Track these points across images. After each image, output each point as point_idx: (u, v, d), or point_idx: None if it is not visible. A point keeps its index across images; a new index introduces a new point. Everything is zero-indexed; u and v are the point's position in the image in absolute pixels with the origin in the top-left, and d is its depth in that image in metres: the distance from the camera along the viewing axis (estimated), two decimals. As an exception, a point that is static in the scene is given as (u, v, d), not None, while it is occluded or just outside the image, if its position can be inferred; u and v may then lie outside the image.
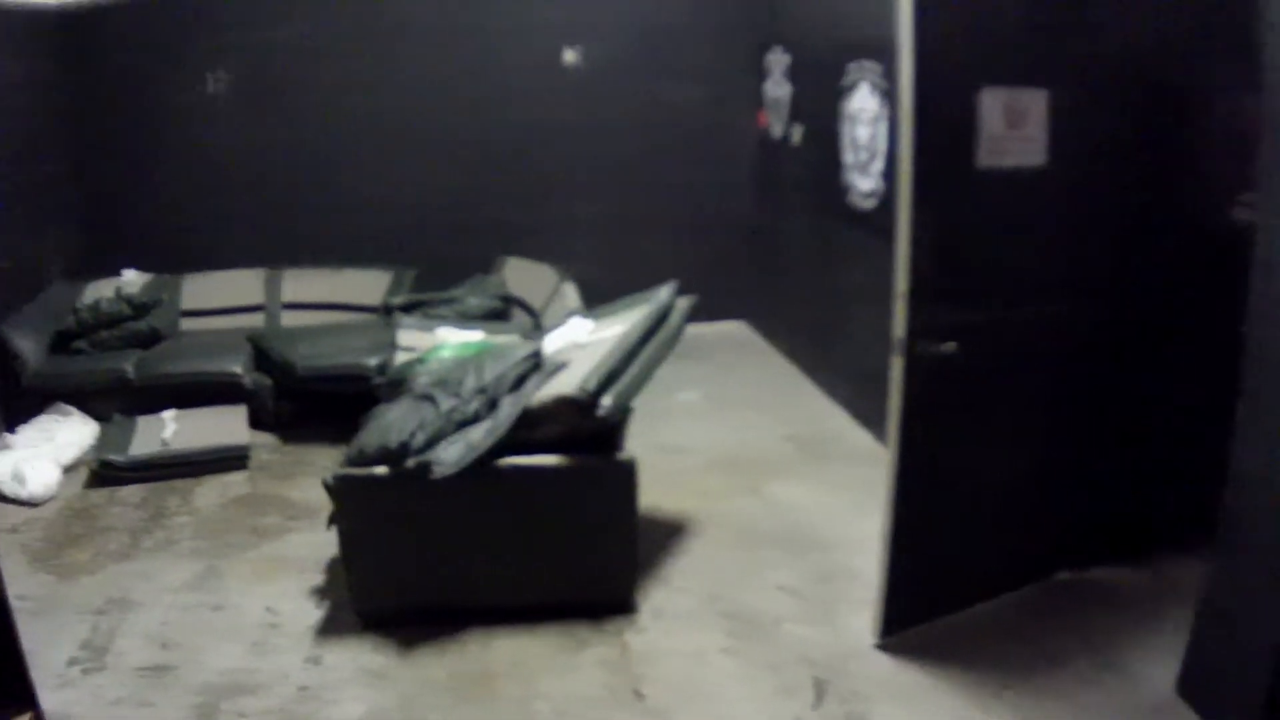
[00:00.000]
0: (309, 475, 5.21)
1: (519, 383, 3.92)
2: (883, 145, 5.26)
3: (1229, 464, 3.06)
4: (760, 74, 7.15)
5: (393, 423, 3.80)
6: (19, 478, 4.86)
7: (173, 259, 6.60)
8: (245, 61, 6.73)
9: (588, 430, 3.76)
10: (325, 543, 4.41)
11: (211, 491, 5.08)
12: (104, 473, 5.08)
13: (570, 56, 7.12)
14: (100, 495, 5.03)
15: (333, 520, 4.01)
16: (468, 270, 6.65)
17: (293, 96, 6.84)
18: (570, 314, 5.19)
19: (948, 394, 3.47)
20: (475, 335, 5.08)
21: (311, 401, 5.77)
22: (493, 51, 6.97)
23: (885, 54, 5.12)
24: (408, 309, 6.09)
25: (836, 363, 6.27)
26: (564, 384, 3.79)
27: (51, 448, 5.16)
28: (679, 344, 4.34)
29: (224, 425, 5.44)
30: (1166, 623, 3.64)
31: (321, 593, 4.13)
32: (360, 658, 3.69)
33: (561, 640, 3.76)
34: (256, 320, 6.45)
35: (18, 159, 5.79)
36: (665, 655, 3.68)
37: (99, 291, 6.20)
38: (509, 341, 4.66)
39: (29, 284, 5.97)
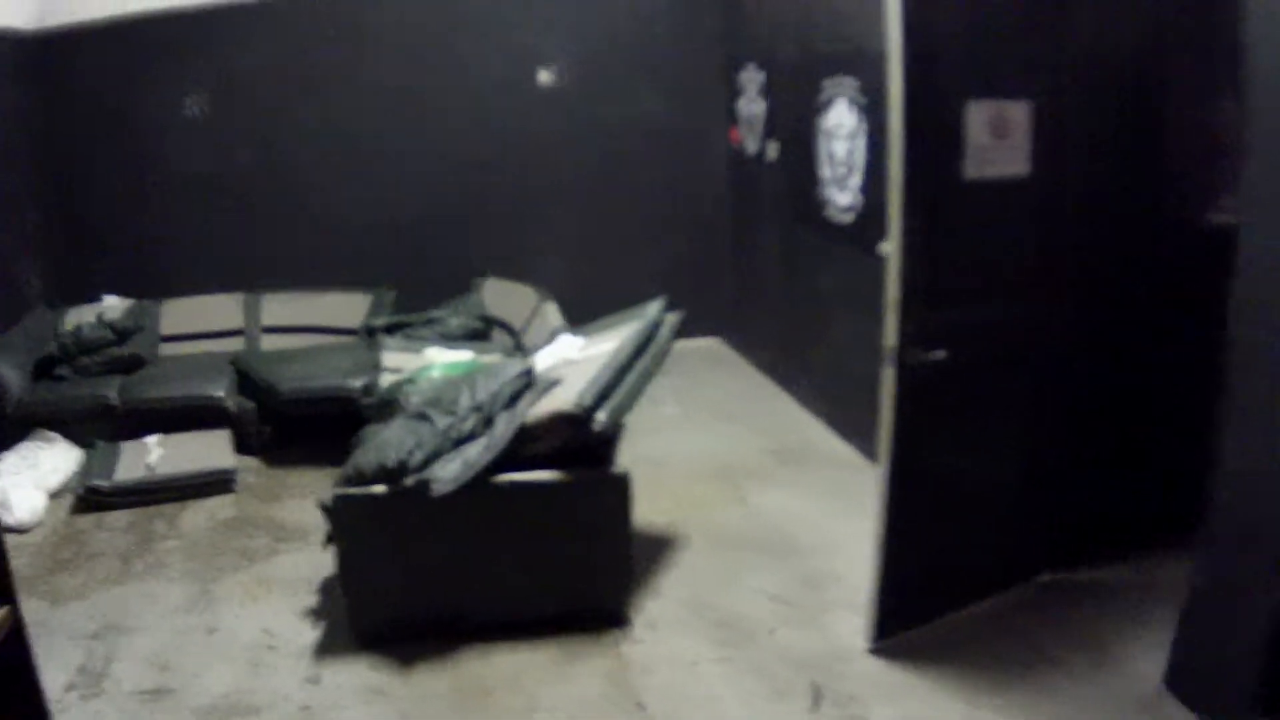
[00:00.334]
0: (295, 497, 5.23)
1: (513, 400, 3.95)
2: (861, 160, 5.33)
3: (1213, 461, 3.13)
4: (732, 91, 7.22)
5: (389, 442, 3.81)
6: (4, 504, 4.82)
7: (151, 284, 6.59)
8: (221, 85, 6.72)
9: (582, 445, 3.80)
10: (316, 563, 4.46)
11: (198, 515, 5.07)
12: (90, 498, 5.06)
13: (545, 77, 7.16)
14: (87, 521, 5.01)
15: (329, 540, 4.03)
16: (445, 291, 6.67)
17: (268, 120, 6.84)
18: (555, 332, 5.23)
19: (937, 400, 3.54)
20: (464, 354, 5.11)
21: (295, 424, 5.77)
22: (468, 73, 7.01)
23: (862, 70, 5.22)
24: (390, 330, 6.11)
25: (813, 374, 6.33)
26: (559, 400, 3.82)
27: (36, 474, 5.13)
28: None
29: (209, 449, 5.42)
30: (1151, 620, 3.72)
31: (316, 612, 4.13)
32: (359, 676, 3.70)
33: (558, 653, 3.79)
34: (236, 344, 6.43)
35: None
36: (661, 665, 3.72)
37: (80, 317, 6.17)
38: (500, 360, 4.69)
39: (7, 310, 5.94)
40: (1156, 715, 3.29)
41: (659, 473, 5.23)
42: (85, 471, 5.24)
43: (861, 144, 5.31)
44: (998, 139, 3.53)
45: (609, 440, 3.92)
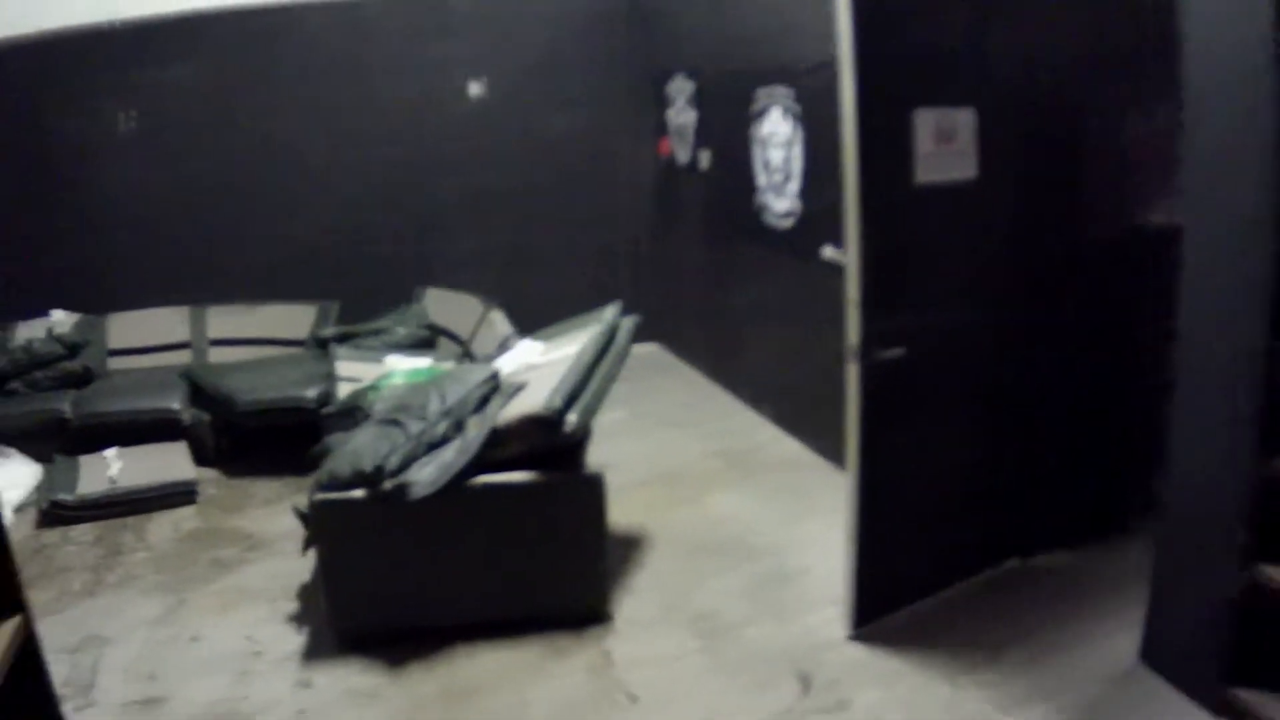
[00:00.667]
0: (257, 506, 5.32)
1: (482, 404, 4.08)
2: (798, 166, 5.52)
3: (1166, 446, 3.34)
4: (661, 102, 7.37)
5: (364, 447, 3.92)
6: (-33, 522, 4.83)
7: (95, 299, 6.59)
8: (153, 101, 6.72)
9: (552, 447, 3.95)
10: (289, 570, 4.56)
11: (164, 527, 5.12)
12: (55, 513, 5.08)
13: (476, 89, 7.28)
14: (52, 535, 5.04)
15: (308, 545, 4.14)
16: (384, 302, 6.78)
17: (200, 134, 6.84)
18: (506, 339, 5.38)
19: (899, 394, 3.71)
20: (424, 361, 5.23)
21: (249, 435, 5.84)
22: (395, 85, 7.09)
23: (795, 79, 5.43)
24: (340, 340, 6.21)
25: (756, 376, 6.53)
26: (527, 403, 3.95)
27: (-4, 490, 5.15)
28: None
29: (168, 461, 5.47)
30: (1121, 600, 3.88)
31: (297, 618, 4.23)
32: (349, 679, 3.80)
33: (544, 650, 3.92)
34: (183, 357, 6.48)
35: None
36: (647, 660, 3.85)
37: (31, 332, 6.16)
38: (465, 365, 4.82)
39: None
40: (1135, 686, 3.48)
41: (614, 477, 5.28)
42: (47, 486, 5.25)
43: (798, 151, 5.49)
44: (945, 144, 3.73)
45: (579, 442, 4.07)
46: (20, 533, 5.05)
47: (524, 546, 3.99)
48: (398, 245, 7.27)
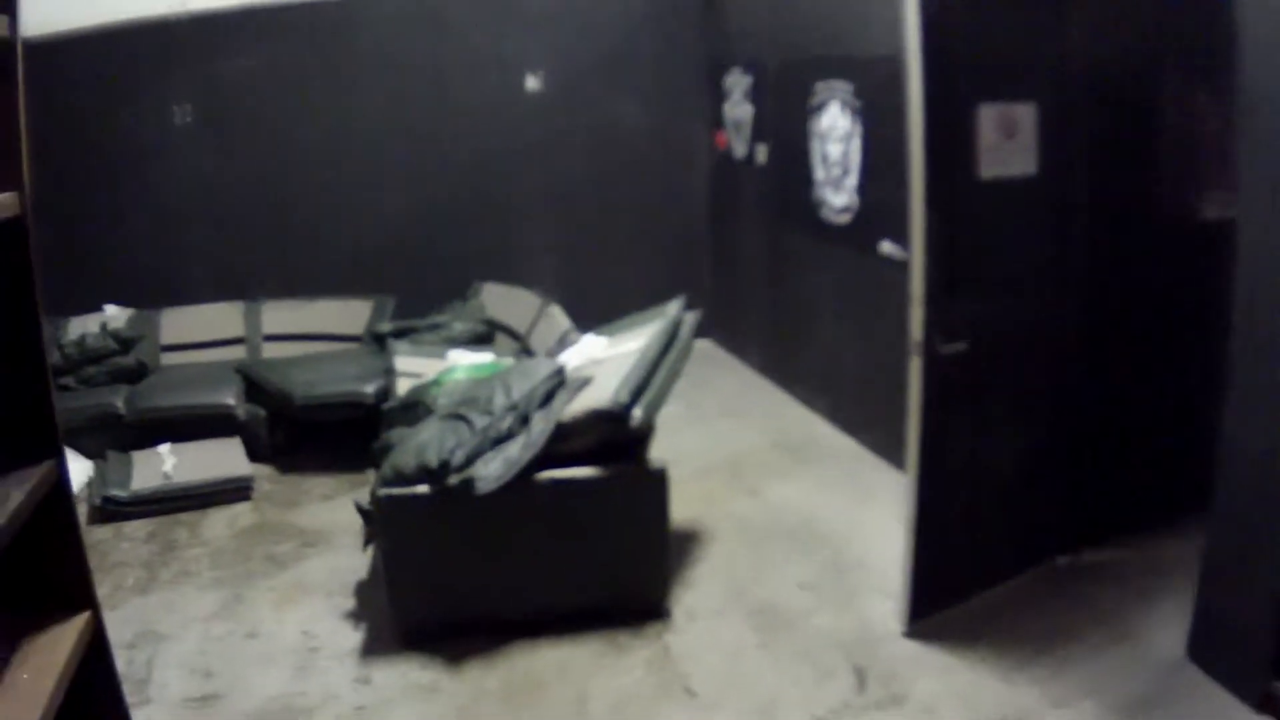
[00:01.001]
0: (313, 502, 5.26)
1: (547, 398, 4.00)
2: (856, 161, 5.44)
3: (1218, 442, 3.30)
4: (718, 96, 7.31)
5: (429, 442, 3.85)
6: (22, 517, 4.80)
7: (148, 293, 6.56)
8: (212, 94, 6.69)
9: (618, 441, 3.89)
10: (346, 566, 4.51)
11: (219, 523, 5.08)
12: (108, 509, 5.04)
13: (532, 82, 7.22)
14: (105, 531, 4.99)
15: (369, 541, 4.07)
16: (437, 298, 6.72)
17: (258, 128, 6.82)
18: (564, 334, 5.31)
19: (959, 391, 3.66)
20: (486, 357, 5.16)
21: (304, 430, 5.80)
22: (454, 80, 7.06)
23: (855, 73, 5.34)
24: (397, 336, 6.15)
25: (810, 372, 6.43)
26: (593, 398, 3.89)
27: (50, 486, 5.10)
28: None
29: (222, 457, 5.43)
30: (1167, 595, 3.89)
31: (354, 614, 4.17)
32: (409, 674, 3.74)
33: (604, 645, 3.86)
34: (237, 353, 6.43)
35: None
36: (705, 653, 3.80)
37: (83, 327, 6.13)
38: (528, 360, 4.75)
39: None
40: (1180, 681, 3.45)
41: (673, 470, 5.27)
42: (100, 482, 5.20)
43: (856, 146, 5.43)
44: (1007, 139, 3.67)
45: (643, 437, 4.01)
46: (74, 528, 5.00)
47: (587, 541, 3.93)
48: (457, 240, 7.19)
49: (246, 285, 6.73)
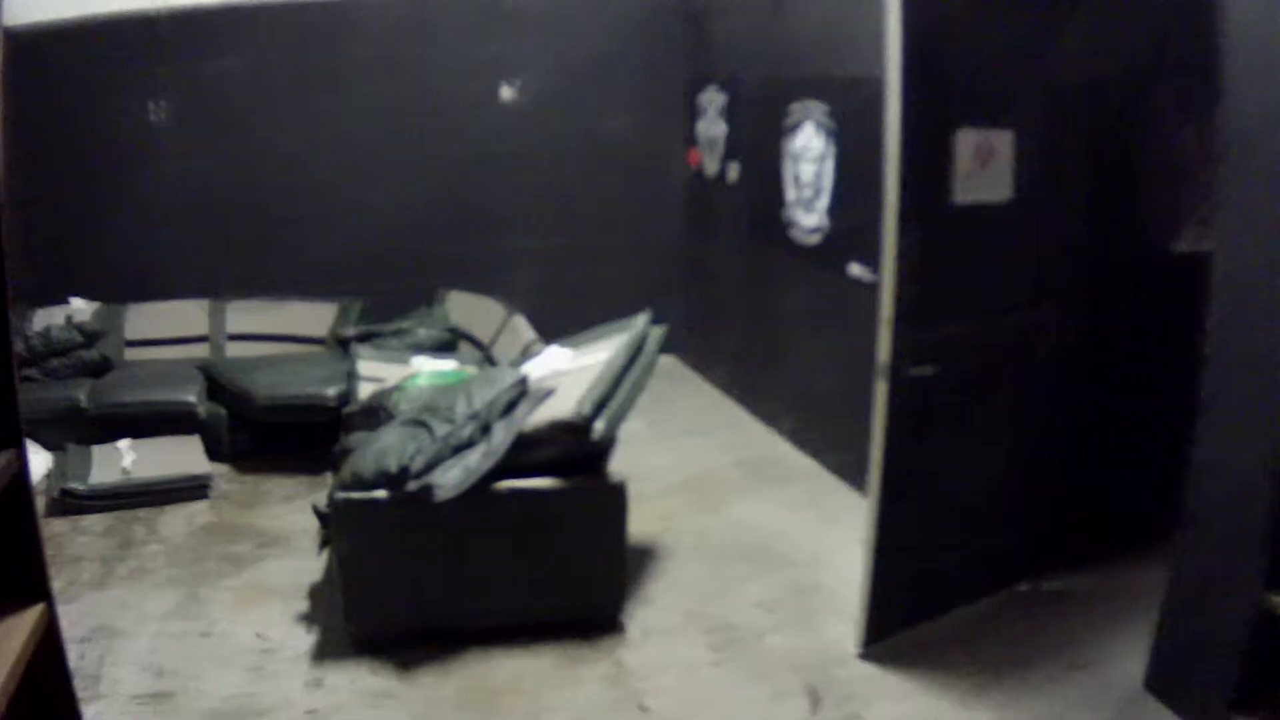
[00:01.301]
0: (271, 504, 5.26)
1: (510, 408, 4.02)
2: (829, 182, 5.47)
3: (1186, 470, 3.32)
4: (692, 113, 7.34)
5: (389, 447, 3.87)
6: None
7: (114, 288, 6.53)
8: (186, 92, 6.68)
9: (579, 453, 3.91)
10: (303, 569, 4.51)
11: (177, 520, 5.06)
12: (66, 502, 5.02)
13: (507, 92, 7.23)
14: (62, 524, 4.96)
15: (324, 544, 4.08)
16: (406, 303, 6.72)
17: (234, 127, 6.80)
18: (529, 345, 5.33)
19: (924, 414, 3.69)
20: (450, 364, 5.17)
21: (263, 431, 5.78)
22: (432, 86, 7.06)
23: (830, 94, 5.38)
24: (361, 340, 6.15)
25: (776, 392, 6.45)
26: (556, 409, 3.92)
27: (7, 478, 5.07)
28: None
29: (182, 454, 5.41)
30: (1127, 625, 3.91)
31: (309, 617, 4.16)
32: (362, 680, 3.74)
33: (558, 658, 3.87)
34: (201, 351, 6.41)
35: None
36: (659, 669, 3.82)
37: (49, 319, 6.11)
38: (492, 369, 4.77)
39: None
40: (1138, 712, 3.47)
41: (633, 486, 5.28)
42: (59, 474, 5.18)
43: (829, 167, 5.45)
44: (983, 166, 3.72)
45: (604, 449, 4.03)
46: (30, 520, 4.97)
47: (543, 552, 3.95)
48: (430, 246, 7.17)
49: (217, 284, 6.70)
